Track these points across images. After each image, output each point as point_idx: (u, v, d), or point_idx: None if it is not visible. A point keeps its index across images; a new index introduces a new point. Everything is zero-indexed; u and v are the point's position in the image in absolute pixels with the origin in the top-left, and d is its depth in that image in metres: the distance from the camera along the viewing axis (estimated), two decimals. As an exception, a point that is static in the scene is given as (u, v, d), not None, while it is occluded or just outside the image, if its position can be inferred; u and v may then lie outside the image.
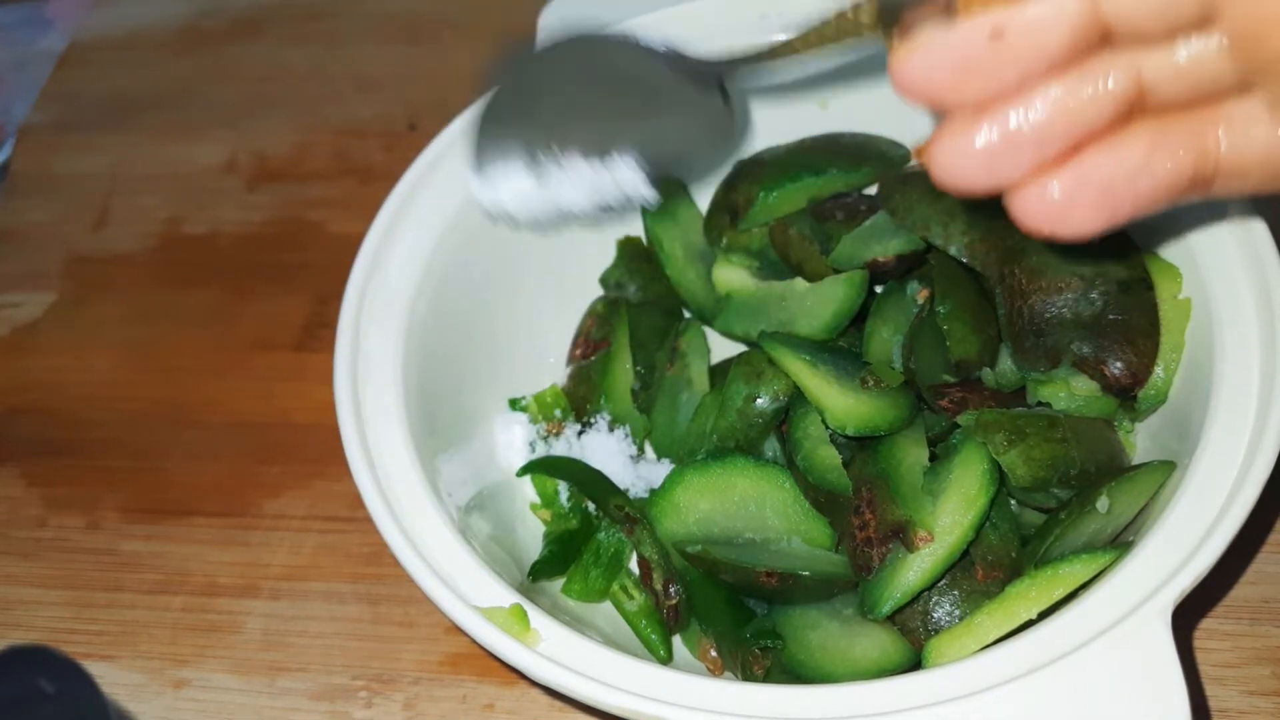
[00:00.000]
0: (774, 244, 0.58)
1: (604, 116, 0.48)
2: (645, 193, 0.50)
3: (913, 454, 0.49)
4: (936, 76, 0.31)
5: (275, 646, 0.58)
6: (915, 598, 0.46)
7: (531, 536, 0.56)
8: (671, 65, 0.46)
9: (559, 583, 0.54)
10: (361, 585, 0.59)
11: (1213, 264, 0.49)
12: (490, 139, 0.49)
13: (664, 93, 0.47)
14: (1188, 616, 0.53)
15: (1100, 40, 0.31)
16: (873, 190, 0.60)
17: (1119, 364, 0.49)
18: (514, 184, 0.50)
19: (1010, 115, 0.31)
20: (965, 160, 0.32)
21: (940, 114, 0.32)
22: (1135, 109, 0.32)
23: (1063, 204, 0.32)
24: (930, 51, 0.30)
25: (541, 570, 0.53)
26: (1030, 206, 0.32)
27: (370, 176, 0.77)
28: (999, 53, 0.30)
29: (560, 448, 0.57)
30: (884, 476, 0.48)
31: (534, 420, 0.58)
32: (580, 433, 0.57)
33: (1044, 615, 0.44)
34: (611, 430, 0.57)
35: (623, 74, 0.48)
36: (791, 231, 0.57)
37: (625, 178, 0.49)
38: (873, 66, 0.60)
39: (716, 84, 0.45)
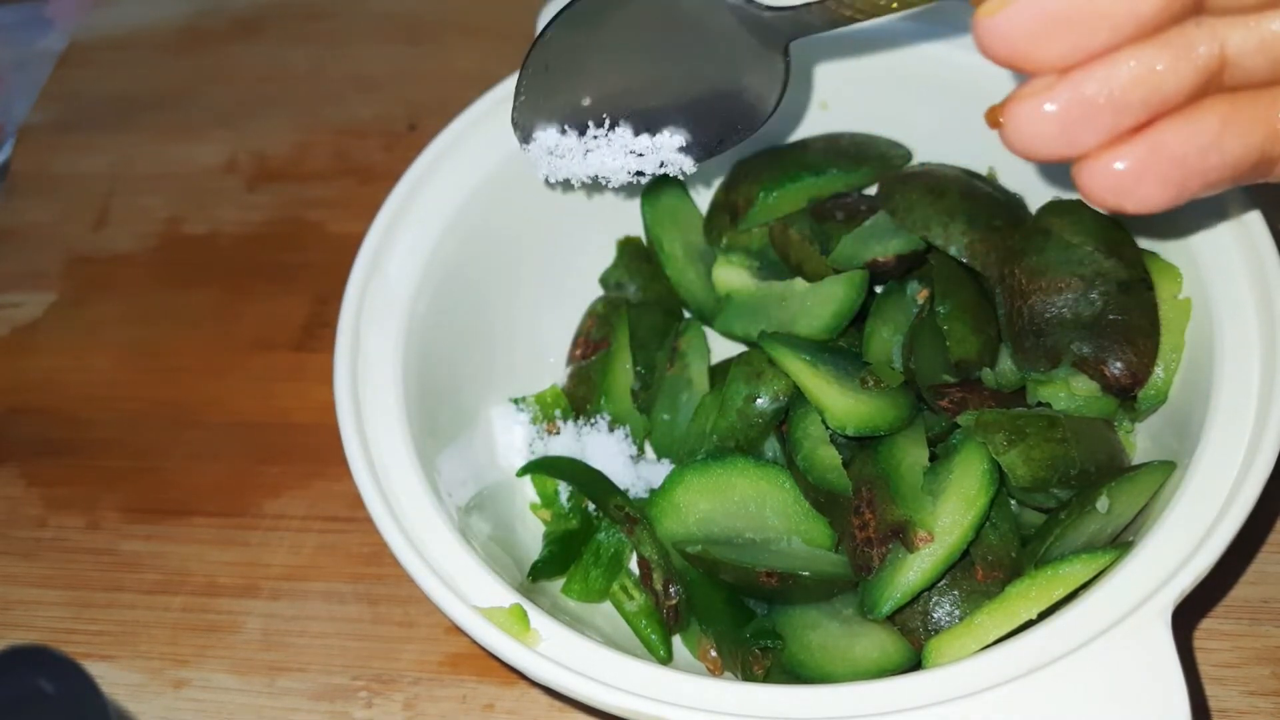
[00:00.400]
0: (774, 244, 0.58)
1: (654, 75, 0.47)
2: (684, 163, 0.49)
3: (913, 454, 0.49)
4: (1023, 34, 0.30)
5: (275, 646, 0.58)
6: (915, 598, 0.46)
7: (531, 536, 0.56)
8: (741, 17, 0.44)
9: (559, 583, 0.54)
10: (361, 585, 0.59)
11: (1213, 264, 0.49)
12: (536, 90, 0.48)
13: (721, 50, 0.45)
14: (1188, 616, 0.53)
15: (1192, 6, 0.30)
16: (873, 190, 0.60)
17: (1119, 364, 0.49)
18: (553, 139, 0.49)
19: (1091, 80, 0.30)
20: (1040, 125, 0.31)
21: (1021, 74, 0.31)
22: (1213, 83, 0.31)
23: (1131, 176, 0.31)
24: (1019, 7, 0.29)
25: (541, 570, 0.53)
26: (1098, 177, 0.31)
27: (370, 176, 0.77)
28: (1090, 9, 0.29)
29: (560, 448, 0.57)
30: (884, 476, 0.48)
31: (534, 420, 0.58)
32: (580, 433, 0.57)
33: (1044, 615, 0.44)
34: (611, 430, 0.57)
35: (683, 23, 0.46)
36: (791, 232, 0.57)
37: (666, 143, 0.48)
38: (872, 68, 0.60)
39: (784, 43, 0.44)
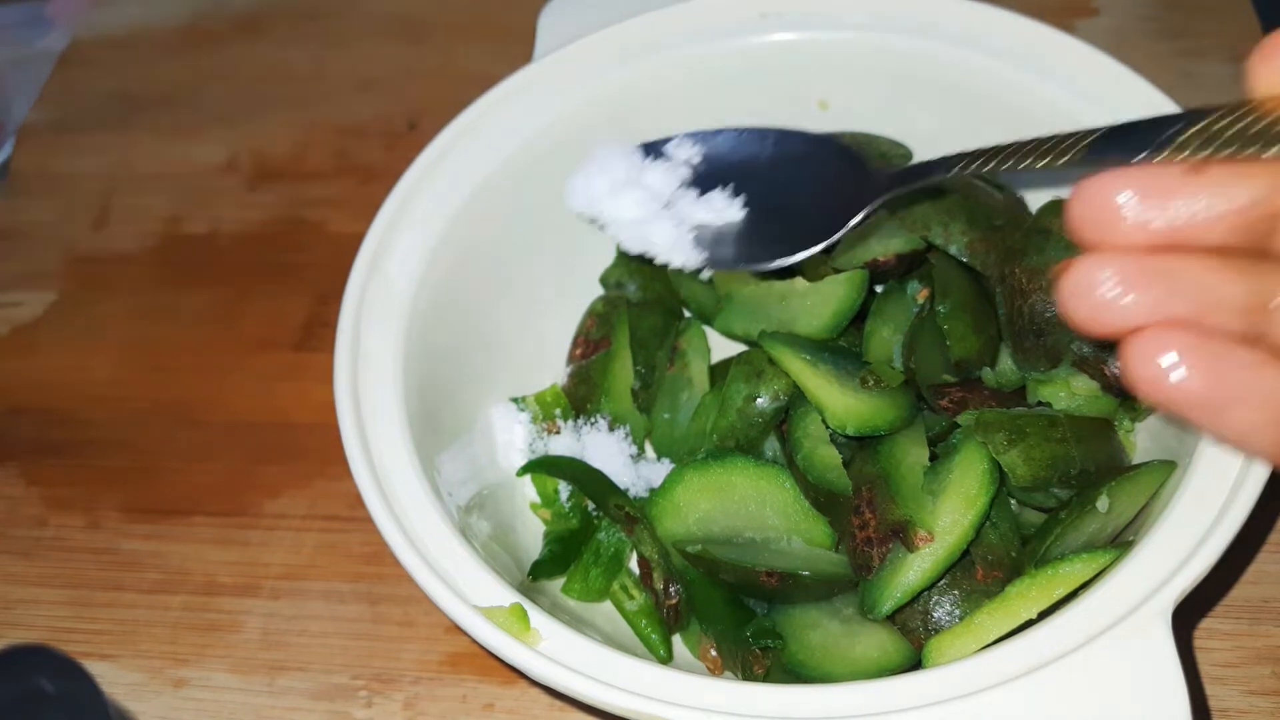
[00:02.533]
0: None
1: (736, 189, 0.48)
2: (703, 270, 0.48)
3: (913, 453, 0.49)
4: (1110, 207, 0.31)
5: (275, 646, 0.58)
6: (915, 597, 0.47)
7: (531, 536, 0.56)
8: (846, 161, 0.46)
9: (559, 582, 0.54)
10: (361, 585, 0.59)
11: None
12: (624, 151, 0.49)
13: (818, 182, 0.47)
14: (1188, 616, 0.53)
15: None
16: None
17: (1119, 363, 0.49)
18: (617, 196, 0.48)
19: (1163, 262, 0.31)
20: (1098, 300, 0.32)
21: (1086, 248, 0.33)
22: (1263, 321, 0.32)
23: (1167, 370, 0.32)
24: (1113, 180, 0.31)
25: (541, 570, 0.53)
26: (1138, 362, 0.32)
27: (370, 176, 0.77)
28: (1189, 188, 0.30)
29: (560, 447, 0.57)
30: (884, 476, 0.48)
31: (534, 420, 0.58)
32: (580, 432, 0.57)
33: (1044, 615, 0.44)
34: (611, 430, 0.57)
35: (787, 163, 0.48)
36: (791, 231, 0.57)
37: (702, 244, 0.47)
38: (872, 67, 0.60)
39: (875, 196, 0.45)
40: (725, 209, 0.48)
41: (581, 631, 0.44)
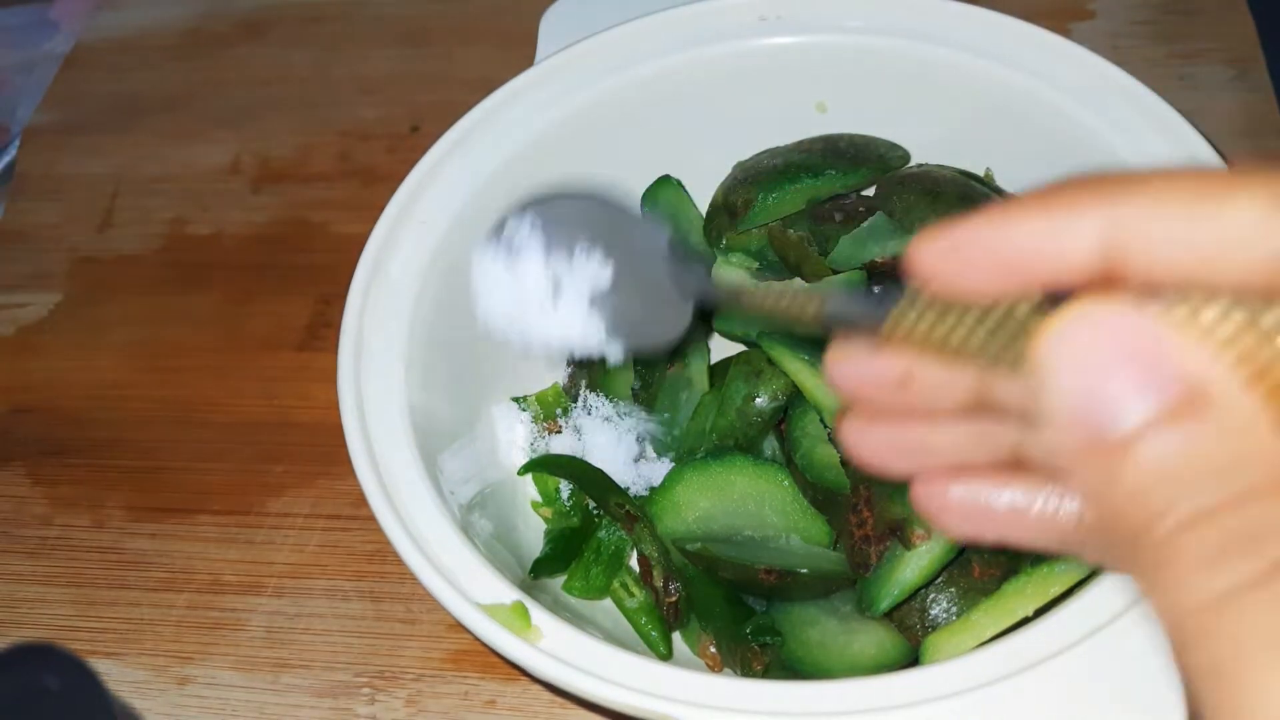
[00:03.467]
0: (773, 245, 0.59)
1: (603, 266, 0.44)
2: (612, 350, 0.45)
3: (910, 453, 0.49)
4: (855, 387, 0.32)
5: (279, 644, 0.58)
6: (913, 595, 0.47)
7: (533, 534, 0.56)
8: (672, 254, 0.43)
9: (560, 580, 0.54)
10: (364, 583, 0.60)
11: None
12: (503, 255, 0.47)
13: (649, 270, 0.44)
14: (1184, 614, 0.53)
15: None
16: (871, 192, 0.60)
17: None
18: (510, 303, 0.45)
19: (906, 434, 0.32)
20: (868, 447, 0.33)
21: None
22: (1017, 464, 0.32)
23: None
24: (852, 367, 0.32)
25: (543, 567, 0.53)
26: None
27: (373, 178, 0.78)
28: (905, 394, 0.31)
29: (562, 446, 0.57)
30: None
31: (535, 419, 0.58)
32: (581, 431, 0.58)
33: (1040, 613, 0.44)
34: (619, 420, 0.57)
35: (627, 238, 0.45)
36: (790, 233, 0.57)
37: (596, 329, 0.44)
38: (870, 70, 0.60)
39: (694, 295, 0.42)
40: (600, 270, 0.44)
41: (582, 629, 0.44)
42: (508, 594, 0.45)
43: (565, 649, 0.43)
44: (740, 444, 0.53)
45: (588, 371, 0.59)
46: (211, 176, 0.80)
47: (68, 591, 0.62)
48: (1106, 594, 0.42)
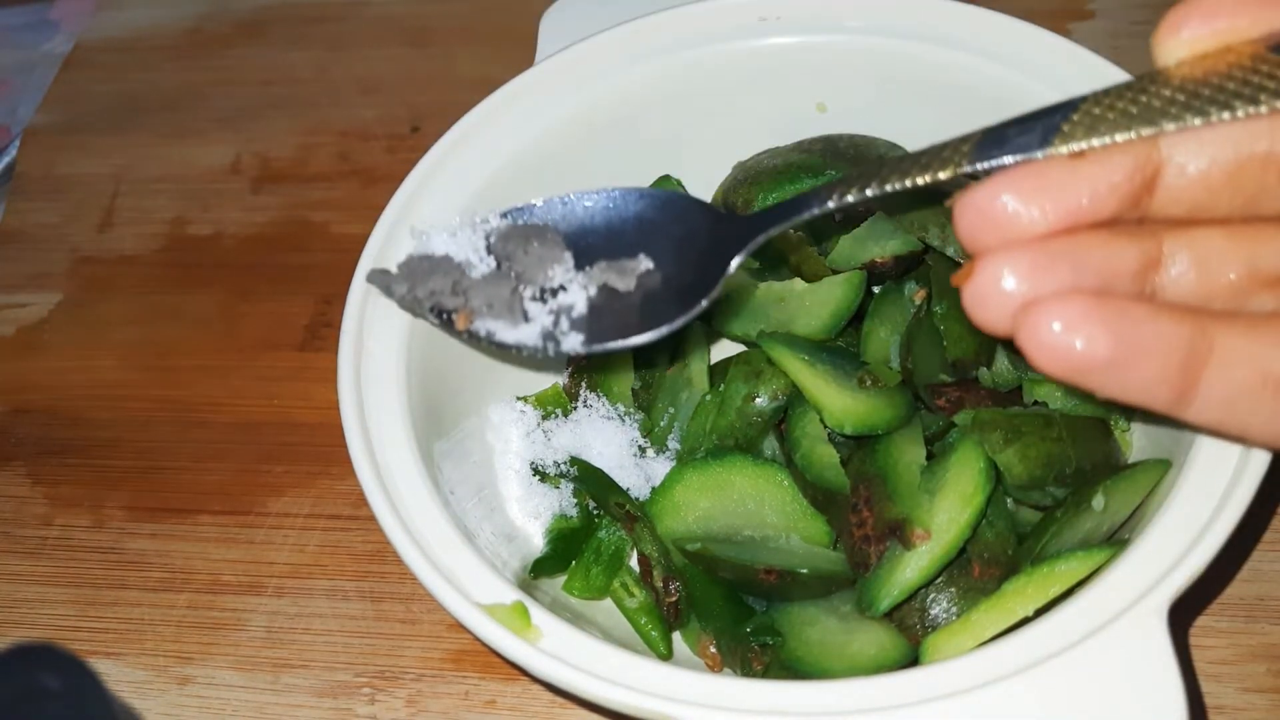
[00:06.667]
0: (773, 245, 0.59)
1: (596, 258, 0.46)
2: (575, 342, 0.45)
3: (910, 452, 0.49)
4: (1003, 203, 0.32)
5: (279, 644, 0.58)
6: (912, 595, 0.47)
7: (533, 534, 0.56)
8: (712, 221, 0.44)
9: (560, 580, 0.55)
10: (365, 583, 0.60)
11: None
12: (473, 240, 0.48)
13: (677, 246, 0.45)
14: (1184, 614, 0.54)
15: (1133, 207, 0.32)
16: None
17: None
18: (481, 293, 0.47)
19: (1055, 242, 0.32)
20: (1004, 298, 0.32)
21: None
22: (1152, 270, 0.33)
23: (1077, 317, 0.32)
24: (1009, 175, 0.32)
25: (543, 567, 0.53)
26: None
27: (373, 178, 0.78)
28: (1073, 172, 0.31)
29: (562, 443, 0.57)
30: (881, 475, 0.48)
31: (538, 419, 0.58)
32: (582, 430, 0.57)
33: (1040, 612, 0.44)
34: (622, 420, 0.57)
35: (644, 226, 0.46)
36: (790, 232, 0.57)
37: (572, 327, 0.46)
38: (870, 70, 0.60)
39: (741, 246, 0.43)
40: (583, 279, 0.46)
41: (582, 629, 0.44)
42: (508, 594, 0.45)
43: (565, 649, 0.43)
44: (740, 444, 0.53)
45: (588, 371, 0.59)
46: (211, 176, 0.80)
47: (68, 591, 0.62)
48: (1106, 594, 0.42)
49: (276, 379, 0.69)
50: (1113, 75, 0.55)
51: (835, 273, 0.56)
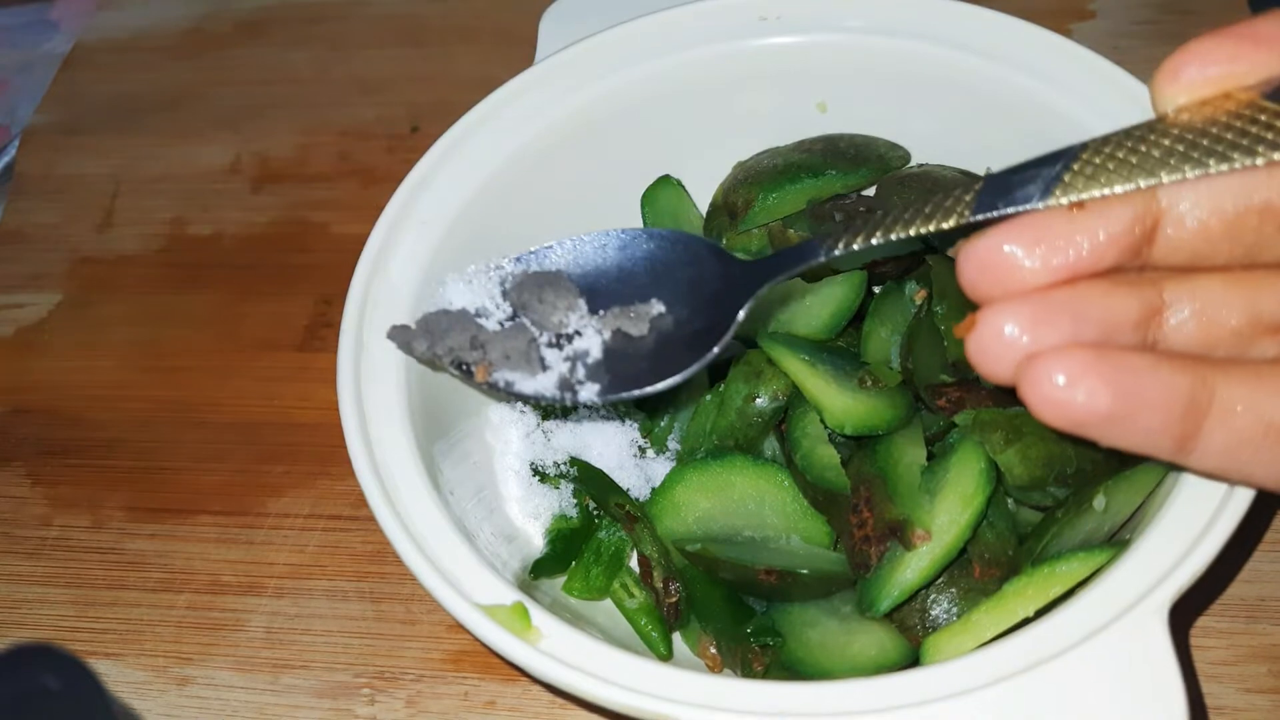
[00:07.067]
0: (773, 245, 0.59)
1: (609, 307, 0.47)
2: (591, 394, 0.46)
3: (910, 453, 0.49)
4: (1006, 253, 0.32)
5: (279, 644, 0.58)
6: (913, 595, 0.47)
7: (533, 534, 0.56)
8: (721, 265, 0.45)
9: (560, 580, 0.54)
10: (364, 583, 0.60)
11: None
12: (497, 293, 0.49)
13: (689, 290, 0.46)
14: (1184, 614, 0.54)
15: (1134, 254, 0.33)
16: (871, 192, 0.60)
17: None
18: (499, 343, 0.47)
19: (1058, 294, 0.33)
20: (1007, 349, 0.33)
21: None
22: (1154, 320, 0.33)
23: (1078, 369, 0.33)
24: (1010, 226, 0.32)
25: (543, 568, 0.53)
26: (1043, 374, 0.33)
27: (373, 178, 0.78)
28: (1073, 223, 0.32)
29: (562, 444, 0.57)
30: (882, 475, 0.48)
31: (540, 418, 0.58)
32: (582, 430, 0.57)
33: (1041, 613, 0.44)
34: (613, 426, 0.57)
35: (656, 267, 0.47)
36: (791, 233, 0.57)
37: (588, 379, 0.46)
38: (871, 69, 0.60)
39: (749, 295, 0.44)
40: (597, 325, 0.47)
41: (582, 629, 0.44)
42: (508, 594, 0.45)
43: (565, 650, 0.43)
44: (740, 444, 0.53)
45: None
46: (211, 176, 0.80)
47: (67, 592, 0.62)
48: (1107, 595, 0.42)
49: (276, 379, 0.69)
50: (1113, 75, 0.54)
51: (835, 273, 0.56)
